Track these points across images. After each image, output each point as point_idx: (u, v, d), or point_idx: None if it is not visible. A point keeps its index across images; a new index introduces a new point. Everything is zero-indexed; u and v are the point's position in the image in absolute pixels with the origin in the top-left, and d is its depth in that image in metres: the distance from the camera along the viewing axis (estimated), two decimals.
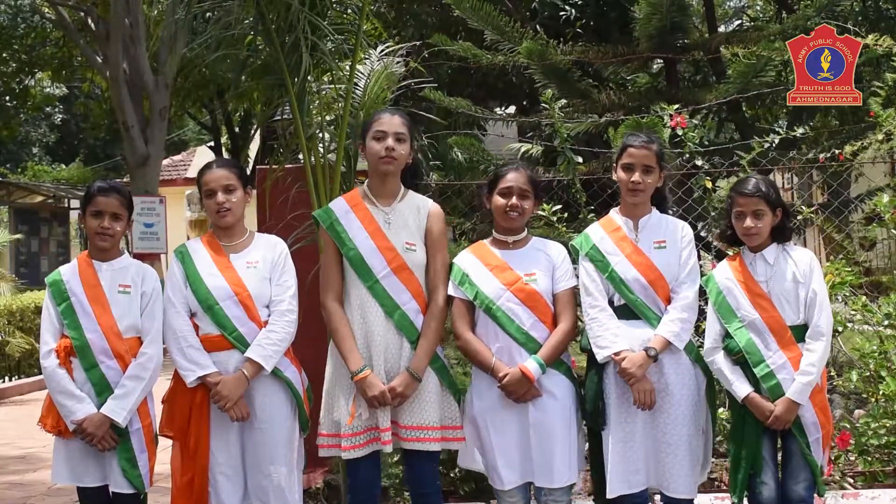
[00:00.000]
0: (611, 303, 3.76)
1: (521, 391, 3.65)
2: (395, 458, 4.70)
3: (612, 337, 3.67)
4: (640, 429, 3.69)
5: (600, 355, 3.69)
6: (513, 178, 3.80)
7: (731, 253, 4.01)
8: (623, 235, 3.81)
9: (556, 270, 3.80)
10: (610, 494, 3.68)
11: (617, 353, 3.64)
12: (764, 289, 3.68)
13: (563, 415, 3.70)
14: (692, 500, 3.75)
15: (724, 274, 3.77)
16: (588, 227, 3.97)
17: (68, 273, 3.73)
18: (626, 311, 3.74)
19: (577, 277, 3.85)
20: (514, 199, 3.77)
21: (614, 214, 3.91)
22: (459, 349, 3.89)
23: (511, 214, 3.78)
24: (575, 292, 3.85)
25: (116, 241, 3.75)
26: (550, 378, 3.70)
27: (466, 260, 3.85)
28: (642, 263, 3.74)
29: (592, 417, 3.71)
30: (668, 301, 3.74)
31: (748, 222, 3.68)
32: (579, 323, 3.93)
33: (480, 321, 3.78)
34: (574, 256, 3.91)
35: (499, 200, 3.81)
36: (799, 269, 3.68)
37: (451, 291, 3.80)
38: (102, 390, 3.61)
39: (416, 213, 3.77)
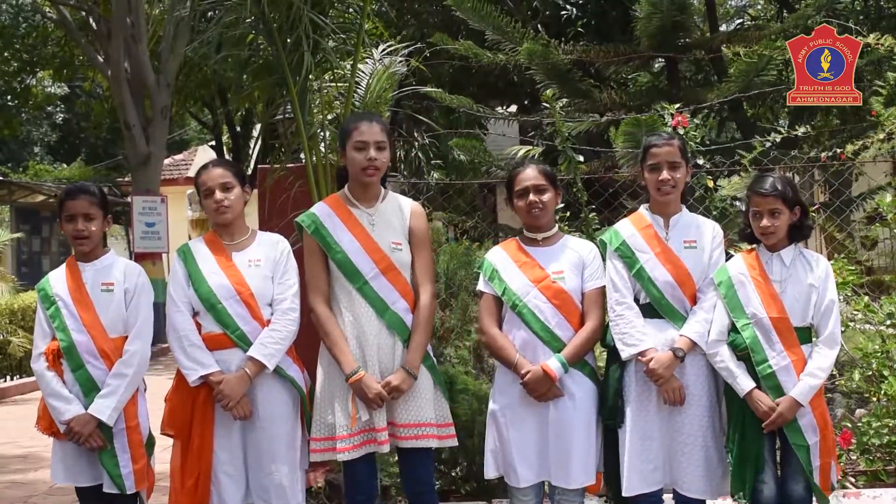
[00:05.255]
0: (636, 301, 3.73)
1: (542, 390, 3.62)
2: (396, 458, 4.69)
3: (639, 335, 3.64)
4: (658, 426, 3.66)
5: (626, 353, 3.65)
6: (525, 177, 3.78)
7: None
8: (654, 233, 3.77)
9: (586, 269, 3.77)
10: (627, 493, 3.63)
11: (643, 353, 3.61)
12: (778, 289, 3.65)
13: (583, 416, 3.66)
14: (704, 501, 3.71)
15: (738, 268, 3.71)
16: (618, 223, 3.91)
17: (55, 278, 3.75)
18: (651, 310, 3.70)
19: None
20: (531, 196, 3.76)
21: (644, 211, 3.86)
22: (484, 344, 3.86)
23: (533, 212, 3.77)
24: (604, 292, 3.79)
25: (94, 241, 3.73)
26: (573, 378, 3.67)
27: (497, 255, 3.84)
28: (671, 262, 3.70)
29: (611, 414, 3.68)
30: (694, 301, 3.71)
31: (765, 221, 3.64)
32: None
33: (507, 317, 3.77)
34: (602, 251, 3.85)
35: (519, 202, 3.80)
36: (815, 274, 3.65)
37: (480, 286, 3.83)
38: (90, 390, 3.61)
39: (398, 212, 3.76)
